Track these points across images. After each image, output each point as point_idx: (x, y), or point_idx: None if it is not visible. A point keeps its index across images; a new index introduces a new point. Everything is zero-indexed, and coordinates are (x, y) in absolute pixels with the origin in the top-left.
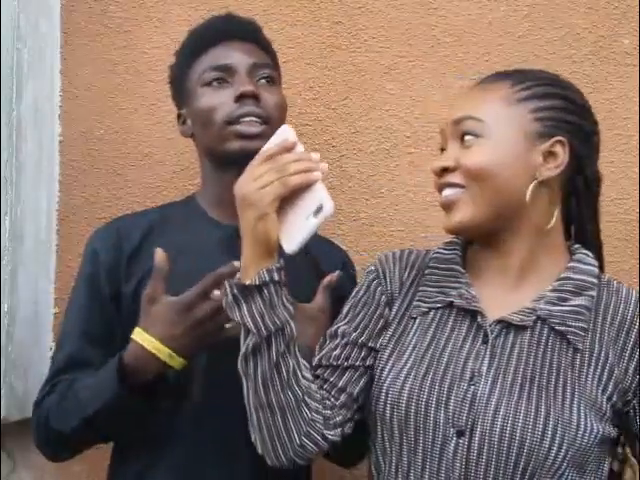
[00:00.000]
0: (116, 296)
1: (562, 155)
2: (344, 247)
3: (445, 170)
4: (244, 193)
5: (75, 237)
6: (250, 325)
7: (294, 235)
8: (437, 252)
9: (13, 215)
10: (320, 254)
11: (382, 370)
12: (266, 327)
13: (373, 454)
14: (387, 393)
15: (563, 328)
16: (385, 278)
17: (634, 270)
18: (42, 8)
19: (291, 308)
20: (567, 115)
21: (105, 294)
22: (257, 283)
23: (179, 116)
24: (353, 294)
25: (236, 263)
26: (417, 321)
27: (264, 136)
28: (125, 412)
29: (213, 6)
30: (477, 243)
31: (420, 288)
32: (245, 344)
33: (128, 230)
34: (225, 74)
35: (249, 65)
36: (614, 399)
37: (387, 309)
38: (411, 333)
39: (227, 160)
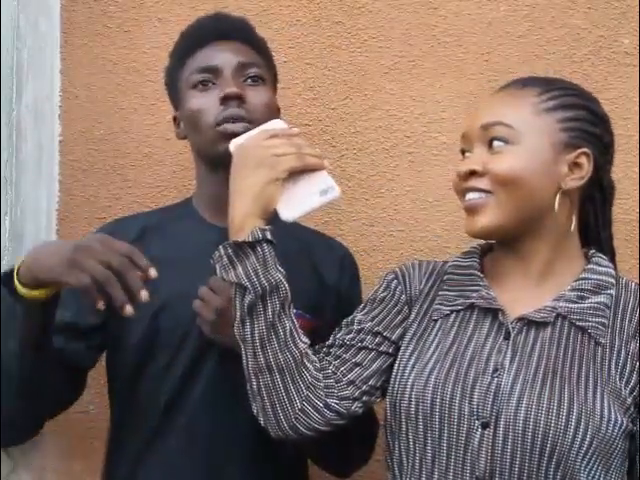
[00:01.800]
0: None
1: (587, 167)
2: None
3: (471, 174)
4: (259, 155)
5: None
6: (245, 282)
7: (294, 205)
8: (455, 260)
9: (13, 215)
10: (320, 252)
11: (405, 367)
12: (261, 284)
13: (396, 455)
14: (412, 387)
15: (583, 323)
16: (405, 281)
17: (634, 270)
18: (42, 8)
19: (283, 271)
20: (591, 127)
21: None
22: (251, 240)
23: (175, 118)
24: (372, 292)
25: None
26: (438, 323)
27: None
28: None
29: (213, 6)
30: (498, 248)
31: (440, 293)
32: (241, 305)
33: (122, 232)
34: (211, 76)
35: (234, 65)
36: (635, 393)
37: (406, 307)
38: (433, 333)
39: (217, 161)
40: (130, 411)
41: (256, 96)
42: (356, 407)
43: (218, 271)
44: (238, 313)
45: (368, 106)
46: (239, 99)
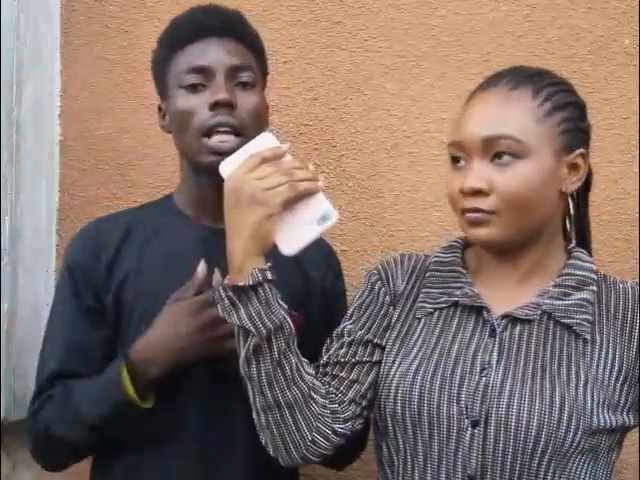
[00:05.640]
0: (100, 309)
1: (583, 167)
2: (344, 247)
3: (477, 192)
4: (251, 192)
5: None
6: (249, 326)
7: (294, 238)
8: (437, 256)
9: (13, 215)
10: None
11: (390, 368)
12: (265, 326)
13: (385, 451)
14: (397, 390)
15: (568, 320)
16: (388, 280)
17: (634, 270)
18: (42, 8)
19: (285, 306)
20: (581, 124)
21: (89, 307)
22: (251, 283)
23: (160, 108)
24: (358, 295)
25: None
26: (422, 321)
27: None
28: (132, 414)
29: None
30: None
31: (423, 290)
32: (245, 347)
33: (104, 238)
34: (202, 76)
35: (227, 68)
36: (626, 387)
37: (391, 308)
38: (417, 332)
39: (200, 170)
40: None
41: (247, 101)
42: (358, 424)
43: (220, 312)
44: (243, 353)
45: (368, 106)
46: (229, 106)
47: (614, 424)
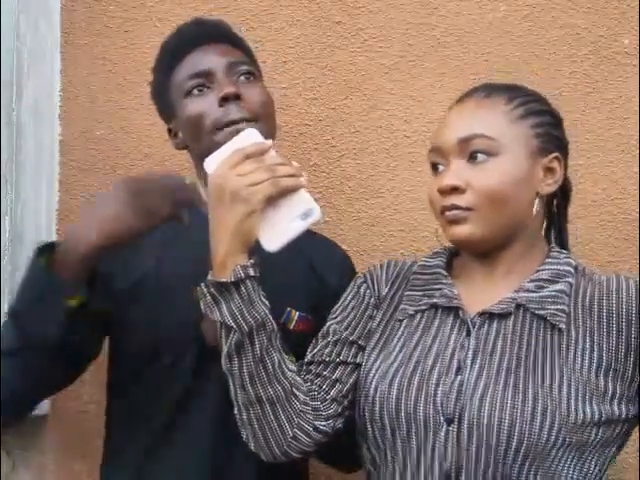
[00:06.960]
0: (106, 283)
1: (559, 171)
2: (344, 247)
3: (452, 190)
4: (233, 188)
5: None
6: (231, 322)
7: (277, 235)
8: (422, 261)
9: (13, 215)
10: (318, 251)
11: (370, 370)
12: (247, 323)
13: (366, 452)
14: (375, 391)
15: (542, 312)
16: (373, 284)
17: (634, 270)
18: (42, 8)
19: (268, 303)
20: (555, 130)
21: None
22: (233, 280)
23: (169, 130)
24: (343, 298)
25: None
26: (403, 323)
27: None
28: (56, 301)
29: (213, 6)
30: (467, 253)
31: (406, 293)
32: (228, 343)
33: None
34: (204, 80)
35: (226, 65)
36: (611, 376)
37: (375, 311)
38: (397, 335)
39: None
40: (136, 409)
41: (252, 92)
42: (339, 423)
43: (202, 308)
44: (225, 349)
45: (368, 106)
46: (237, 98)
47: (599, 416)
